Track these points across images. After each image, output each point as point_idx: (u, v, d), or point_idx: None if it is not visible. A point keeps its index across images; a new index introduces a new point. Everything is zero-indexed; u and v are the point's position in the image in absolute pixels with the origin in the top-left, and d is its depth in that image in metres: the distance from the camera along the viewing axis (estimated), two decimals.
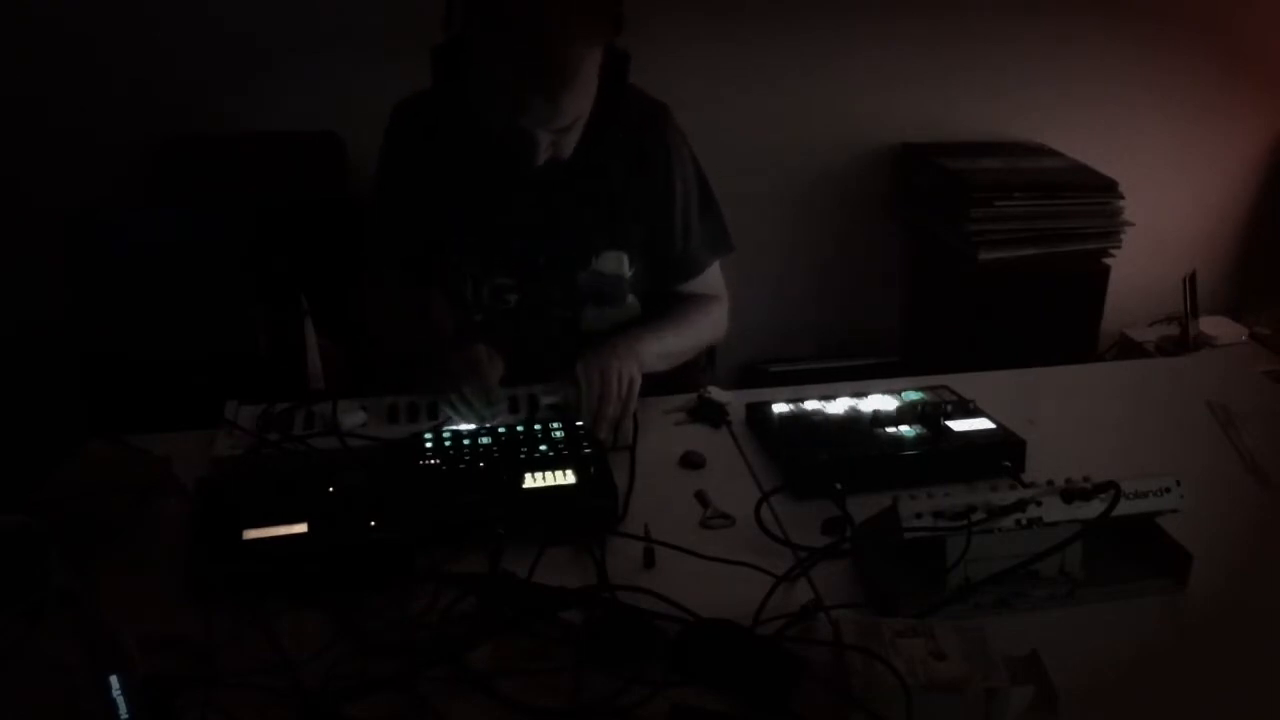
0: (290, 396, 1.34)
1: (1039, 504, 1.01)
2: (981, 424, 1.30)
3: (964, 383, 1.42)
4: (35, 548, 0.90)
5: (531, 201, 1.43)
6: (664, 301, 1.55)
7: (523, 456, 1.18)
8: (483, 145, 1.35)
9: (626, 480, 1.22)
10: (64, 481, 1.12)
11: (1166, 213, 2.84)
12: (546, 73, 1.21)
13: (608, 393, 1.29)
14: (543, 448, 1.20)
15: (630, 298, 1.52)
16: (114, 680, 0.80)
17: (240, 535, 1.03)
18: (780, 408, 1.35)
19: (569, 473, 1.15)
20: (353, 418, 1.29)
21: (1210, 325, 2.66)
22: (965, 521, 1.00)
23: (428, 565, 1.05)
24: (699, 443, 1.33)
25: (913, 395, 1.38)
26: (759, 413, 1.36)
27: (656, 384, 1.50)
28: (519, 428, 1.24)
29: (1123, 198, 2.52)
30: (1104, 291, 2.60)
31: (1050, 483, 1.04)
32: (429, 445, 1.20)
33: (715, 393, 1.42)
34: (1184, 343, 2.60)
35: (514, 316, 1.49)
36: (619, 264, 1.48)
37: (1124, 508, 1.01)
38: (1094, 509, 1.01)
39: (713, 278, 1.58)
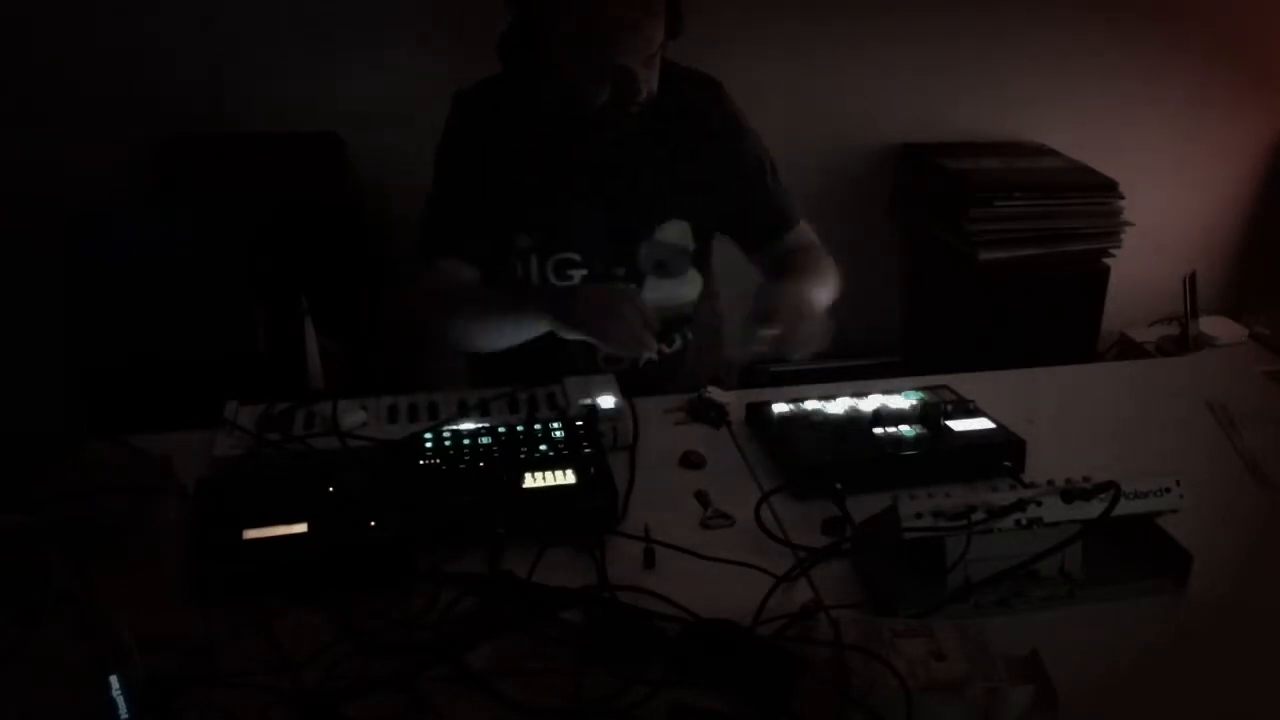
0: (290, 396, 1.34)
1: (1039, 504, 1.01)
2: (981, 424, 1.30)
3: (964, 383, 1.42)
4: (35, 548, 0.90)
5: (598, 172, 1.45)
6: (778, 262, 1.53)
7: (522, 456, 1.18)
8: (556, 120, 1.39)
9: (626, 480, 1.22)
10: (64, 481, 1.12)
11: (1166, 213, 2.84)
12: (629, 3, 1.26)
13: (808, 314, 1.32)
14: (543, 448, 1.20)
15: (691, 270, 1.55)
16: (114, 680, 0.80)
17: (240, 535, 1.03)
18: (780, 408, 1.35)
19: (569, 473, 1.15)
20: (353, 418, 1.29)
21: (1210, 325, 2.66)
22: (965, 521, 1.00)
23: (428, 565, 1.05)
24: (699, 443, 1.33)
25: (913, 395, 1.38)
26: (759, 413, 1.36)
27: (657, 384, 1.50)
28: (519, 428, 1.24)
29: (1123, 198, 2.52)
30: (1104, 291, 2.60)
31: (1050, 483, 1.04)
32: (429, 445, 1.20)
33: (715, 393, 1.42)
34: (1184, 343, 2.60)
35: None
36: (683, 234, 1.51)
37: (1124, 508, 1.01)
38: (1094, 509, 1.01)
39: (809, 230, 1.59)
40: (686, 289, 1.56)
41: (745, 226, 1.56)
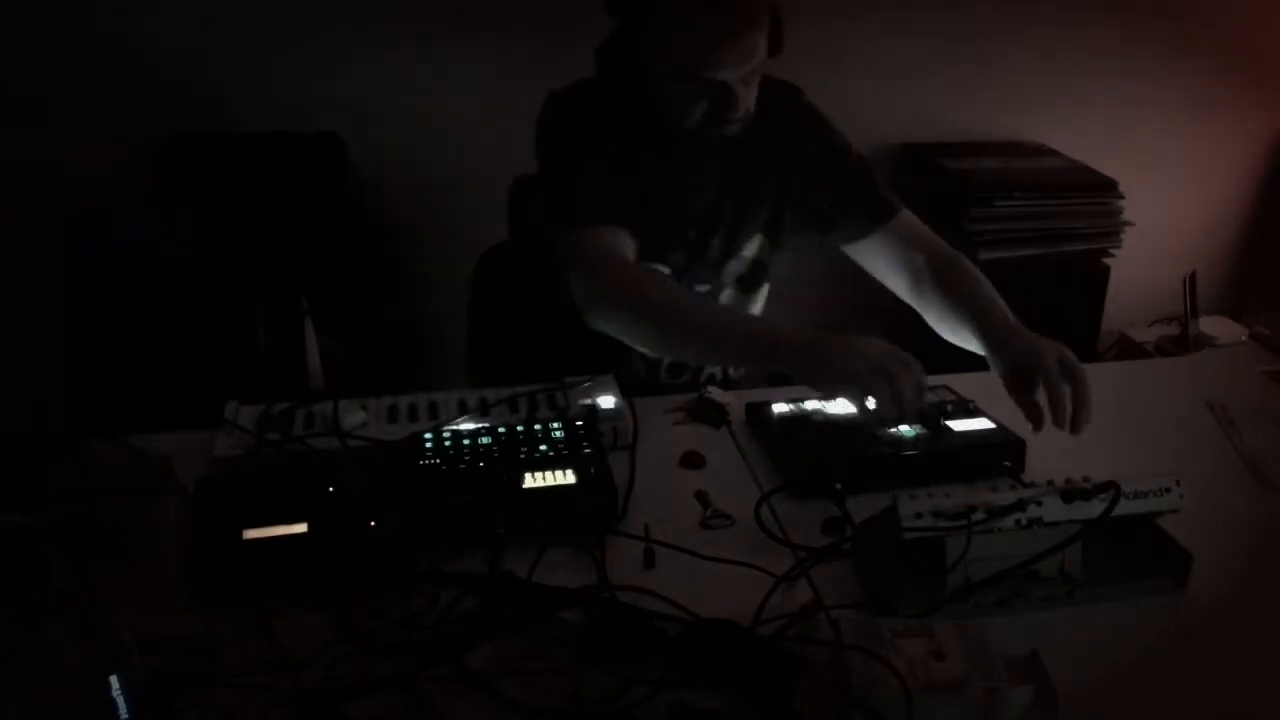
0: (290, 396, 1.34)
1: (1039, 504, 1.01)
2: (981, 424, 1.30)
3: (964, 383, 1.42)
4: (35, 548, 0.90)
5: (689, 189, 1.44)
6: (920, 278, 1.52)
7: (523, 456, 1.18)
8: (656, 131, 1.35)
9: (626, 480, 1.22)
10: (63, 481, 1.12)
11: (1166, 213, 2.84)
12: (733, 12, 1.25)
13: (1078, 373, 1.22)
14: (543, 448, 1.20)
15: (764, 285, 1.56)
16: (114, 680, 0.80)
17: (240, 535, 1.03)
18: (780, 408, 1.35)
19: (569, 473, 1.15)
20: (353, 418, 1.29)
21: (1210, 325, 2.66)
22: (965, 521, 1.00)
23: (428, 565, 1.05)
24: (699, 443, 1.33)
25: None
26: (759, 413, 1.36)
27: (656, 384, 1.50)
28: (519, 428, 1.24)
29: (1123, 198, 2.52)
30: (1104, 291, 2.60)
31: (1050, 483, 1.04)
32: (429, 445, 1.20)
33: (715, 393, 1.42)
34: (1184, 343, 2.60)
35: None
36: (761, 248, 1.51)
37: (1124, 508, 1.01)
38: (1094, 509, 1.01)
39: (913, 215, 1.54)
40: (759, 303, 1.57)
41: (851, 219, 1.51)
